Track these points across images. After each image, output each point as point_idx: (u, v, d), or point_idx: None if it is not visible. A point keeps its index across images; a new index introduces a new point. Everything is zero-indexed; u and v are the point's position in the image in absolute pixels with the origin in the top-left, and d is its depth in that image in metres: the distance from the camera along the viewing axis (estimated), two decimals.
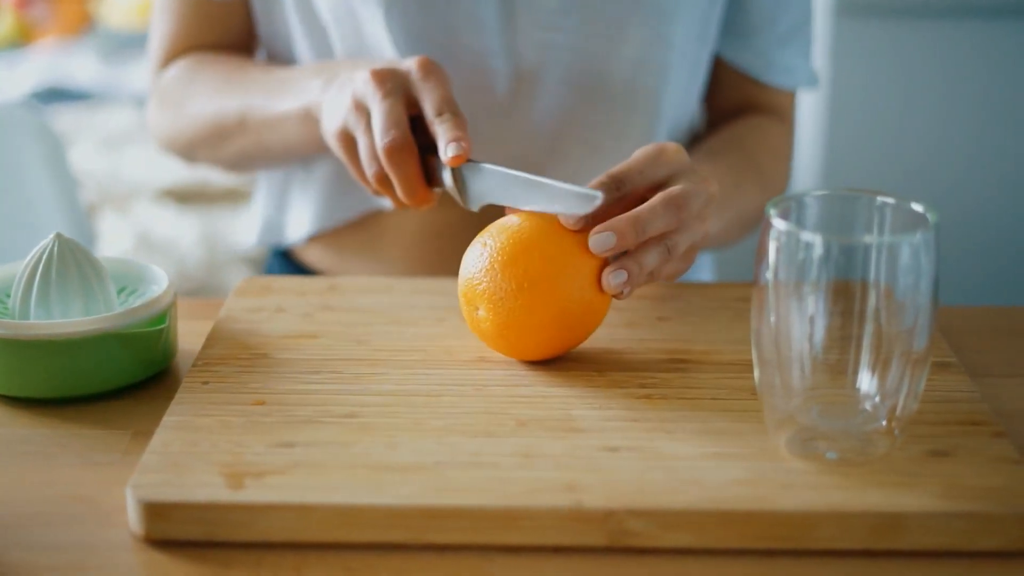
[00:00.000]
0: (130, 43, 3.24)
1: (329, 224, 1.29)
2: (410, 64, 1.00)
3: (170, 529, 0.76)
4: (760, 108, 1.28)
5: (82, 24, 3.47)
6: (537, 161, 1.20)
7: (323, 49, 1.21)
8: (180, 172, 2.62)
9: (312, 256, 1.33)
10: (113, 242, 2.34)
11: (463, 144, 0.94)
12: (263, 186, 1.35)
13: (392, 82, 0.98)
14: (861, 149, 2.33)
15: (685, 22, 1.17)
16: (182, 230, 2.40)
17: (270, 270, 1.40)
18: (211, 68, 1.23)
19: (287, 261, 1.37)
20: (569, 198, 0.89)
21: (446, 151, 0.95)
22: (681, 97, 1.23)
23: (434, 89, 0.98)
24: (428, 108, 0.97)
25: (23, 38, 3.41)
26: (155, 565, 0.75)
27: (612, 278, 0.89)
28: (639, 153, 0.93)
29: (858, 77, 2.33)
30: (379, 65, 1.00)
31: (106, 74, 3.13)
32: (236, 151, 1.22)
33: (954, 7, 2.37)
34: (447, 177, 0.96)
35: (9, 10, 3.44)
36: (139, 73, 3.10)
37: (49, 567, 0.74)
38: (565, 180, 1.19)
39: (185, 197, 2.55)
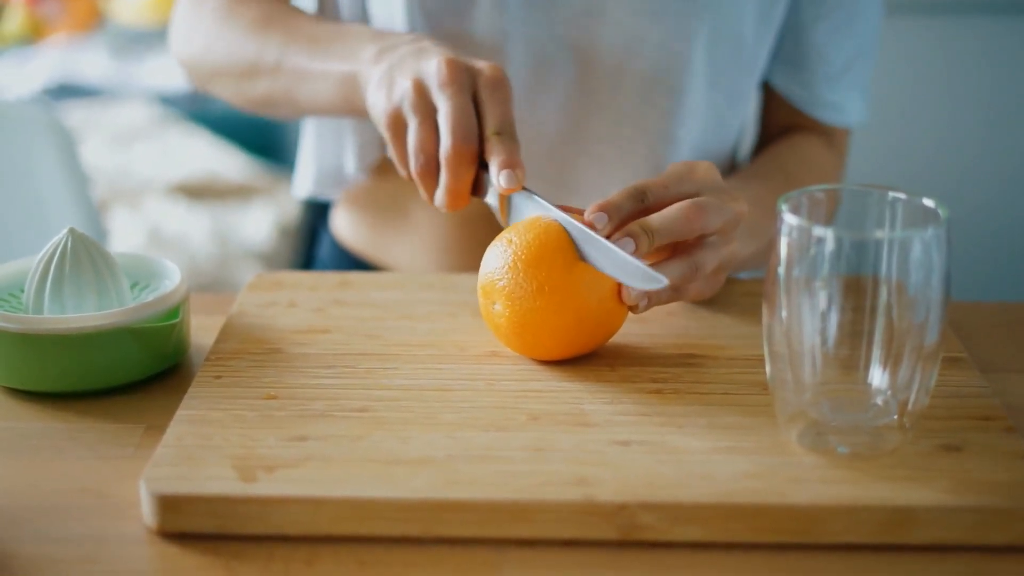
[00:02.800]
0: (140, 39, 3.24)
1: (375, 158, 1.27)
2: (483, 67, 0.97)
3: (183, 522, 0.76)
4: (809, 128, 1.26)
5: (93, 20, 3.48)
6: (536, 163, 1.19)
7: None
8: (191, 168, 2.62)
9: (350, 232, 1.33)
10: (124, 238, 2.35)
11: (518, 173, 0.93)
12: (312, 132, 1.32)
13: (465, 79, 0.96)
14: (870, 145, 2.32)
15: (707, 46, 1.15)
16: (193, 226, 2.41)
17: (319, 246, 1.39)
18: (260, 4, 1.20)
19: (333, 243, 1.36)
20: (630, 270, 0.86)
21: (499, 177, 0.93)
22: (709, 124, 1.21)
23: (501, 104, 0.96)
24: (489, 121, 0.95)
25: (34, 35, 3.42)
26: (167, 558, 0.75)
27: (632, 289, 0.89)
28: (669, 168, 0.93)
29: None
30: (451, 54, 0.97)
31: (117, 70, 3.14)
32: (261, 92, 1.19)
33: (960, 5, 2.37)
34: (492, 195, 0.95)
35: (20, 7, 3.45)
36: (149, 69, 3.11)
37: (62, 559, 0.75)
38: (561, 186, 1.19)
39: (196, 193, 2.55)
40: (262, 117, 1.24)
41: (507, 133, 0.95)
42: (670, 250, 0.91)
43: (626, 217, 0.89)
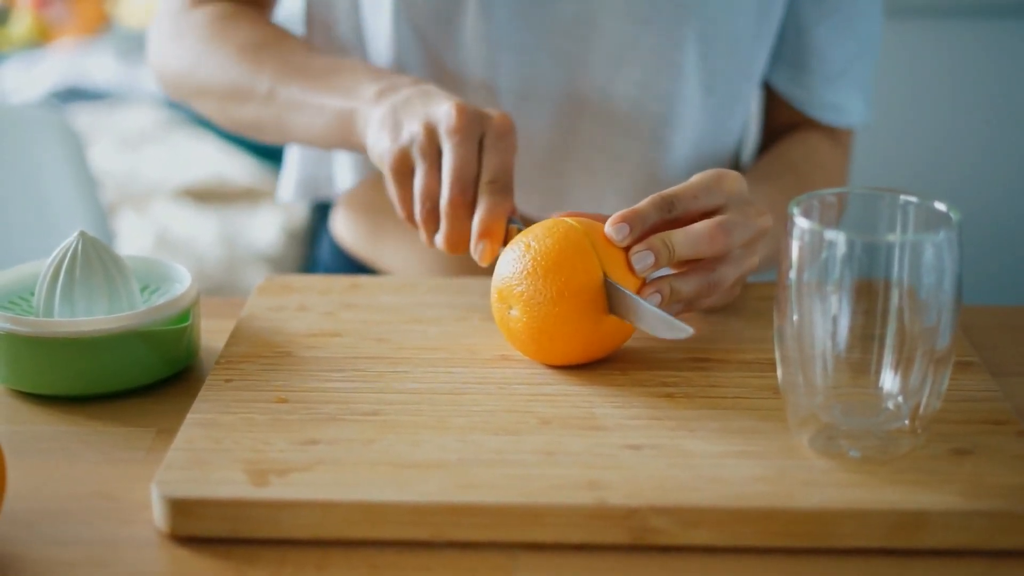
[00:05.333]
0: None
1: (363, 174, 1.27)
2: (492, 114, 0.97)
3: (195, 526, 0.76)
4: (813, 127, 1.26)
5: (100, 24, 3.48)
6: (526, 173, 1.19)
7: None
8: (198, 171, 2.62)
9: (348, 235, 1.33)
10: (132, 241, 2.35)
11: (492, 247, 0.94)
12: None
13: (475, 126, 0.96)
14: (873, 148, 2.33)
15: (699, 51, 1.15)
16: (200, 229, 2.41)
17: (319, 248, 1.40)
18: (252, 26, 1.18)
19: (332, 244, 1.36)
20: (655, 322, 0.86)
21: (474, 247, 0.94)
22: (706, 129, 1.20)
23: (502, 153, 0.96)
24: (486, 169, 0.95)
25: (41, 38, 3.42)
26: (179, 561, 0.75)
27: (649, 301, 0.88)
28: (697, 177, 0.92)
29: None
30: (459, 99, 0.98)
31: (124, 74, 3.14)
32: (249, 117, 1.17)
33: (963, 7, 2.36)
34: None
35: (27, 10, 3.45)
36: None
37: (73, 563, 0.75)
38: (552, 194, 1.19)
39: (203, 196, 2.55)
40: (240, 135, 1.23)
41: (500, 182, 0.95)
42: (691, 262, 0.91)
43: (650, 228, 0.89)
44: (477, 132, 0.96)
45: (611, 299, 0.88)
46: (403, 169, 0.98)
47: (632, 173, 1.19)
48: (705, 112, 1.19)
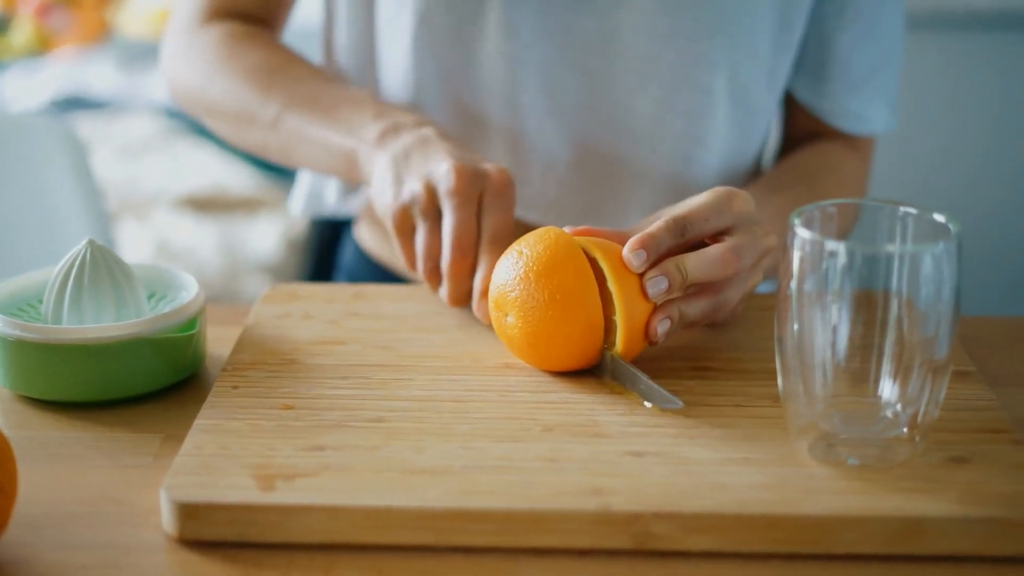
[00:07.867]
0: (147, 52, 3.25)
1: (355, 196, 1.28)
2: (490, 171, 0.98)
3: (203, 530, 0.77)
4: (833, 136, 1.26)
5: (100, 33, 3.49)
6: (550, 190, 1.20)
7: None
8: (199, 180, 2.63)
9: (372, 241, 1.34)
10: (133, 250, 2.35)
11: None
12: None
13: (474, 186, 0.97)
14: (879, 159, 2.34)
15: (724, 66, 1.16)
16: (201, 238, 2.41)
17: (342, 253, 1.41)
18: (262, 49, 1.19)
19: (357, 249, 1.38)
20: (651, 394, 0.88)
21: (480, 307, 0.96)
22: (733, 142, 1.21)
23: (501, 212, 0.97)
24: (485, 230, 0.97)
25: (42, 47, 3.43)
26: (187, 565, 0.76)
27: (659, 327, 0.90)
28: (706, 197, 0.92)
29: None
30: (458, 153, 0.99)
31: (124, 83, 3.15)
32: (256, 142, 1.19)
33: (966, 20, 2.37)
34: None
35: (28, 19, 3.46)
36: (157, 82, 3.12)
37: (83, 567, 0.76)
38: (577, 211, 1.20)
39: (204, 205, 2.56)
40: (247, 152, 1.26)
41: (500, 243, 0.97)
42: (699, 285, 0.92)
43: (664, 253, 0.90)
44: (476, 192, 0.97)
45: (614, 369, 0.90)
46: (405, 226, 1.01)
47: (657, 189, 1.20)
48: (733, 127, 1.19)
